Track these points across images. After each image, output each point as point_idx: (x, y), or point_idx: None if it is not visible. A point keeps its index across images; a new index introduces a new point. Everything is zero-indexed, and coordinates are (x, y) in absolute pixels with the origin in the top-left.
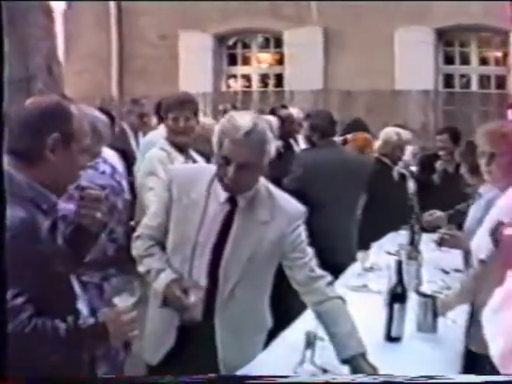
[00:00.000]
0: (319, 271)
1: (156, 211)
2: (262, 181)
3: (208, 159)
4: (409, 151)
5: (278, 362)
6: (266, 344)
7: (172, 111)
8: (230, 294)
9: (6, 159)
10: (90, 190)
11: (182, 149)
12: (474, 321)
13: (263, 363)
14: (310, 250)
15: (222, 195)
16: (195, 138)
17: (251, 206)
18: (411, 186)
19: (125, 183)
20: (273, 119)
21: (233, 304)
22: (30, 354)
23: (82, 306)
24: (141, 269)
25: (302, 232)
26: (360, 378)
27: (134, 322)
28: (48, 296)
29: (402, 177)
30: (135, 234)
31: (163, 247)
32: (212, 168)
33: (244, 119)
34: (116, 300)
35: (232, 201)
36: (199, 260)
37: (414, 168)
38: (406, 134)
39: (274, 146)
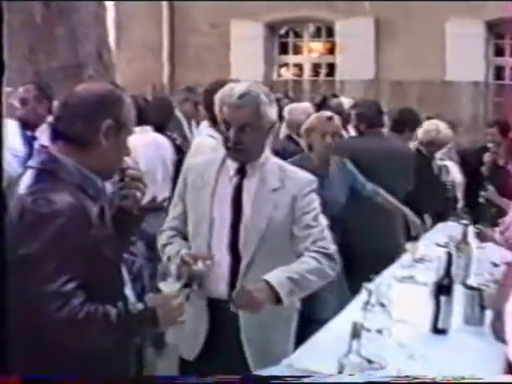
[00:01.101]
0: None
1: (175, 202)
2: (270, 155)
3: None
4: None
5: (323, 353)
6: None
7: None
8: (251, 265)
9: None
10: (129, 169)
11: None
12: None
13: (308, 354)
14: (323, 223)
15: (232, 168)
16: None
17: (260, 176)
18: (455, 177)
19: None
20: (307, 105)
21: (254, 274)
22: (81, 340)
23: (130, 292)
24: (164, 258)
25: (314, 201)
26: (402, 379)
27: (182, 308)
28: (98, 282)
29: (441, 169)
30: (160, 229)
31: (185, 238)
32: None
33: (239, 85)
34: (161, 285)
35: (241, 172)
36: (218, 236)
37: (449, 162)
38: (446, 132)
39: (273, 110)
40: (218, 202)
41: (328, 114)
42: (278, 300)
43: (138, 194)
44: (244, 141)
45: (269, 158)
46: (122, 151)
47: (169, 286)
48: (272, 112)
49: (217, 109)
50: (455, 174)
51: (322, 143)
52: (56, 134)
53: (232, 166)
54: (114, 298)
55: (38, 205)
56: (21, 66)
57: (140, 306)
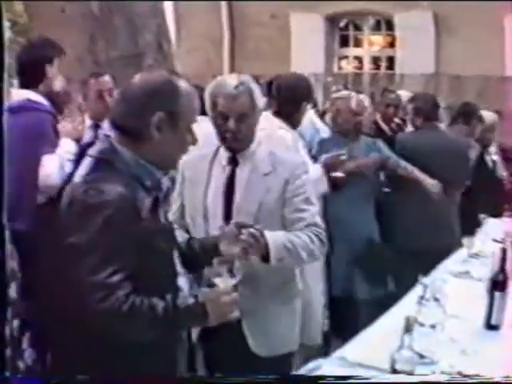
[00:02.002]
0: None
1: (174, 197)
2: (261, 141)
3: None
4: None
5: (375, 347)
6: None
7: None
8: None
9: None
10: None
11: (292, 128)
12: None
13: (360, 347)
14: (315, 206)
15: (224, 158)
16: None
17: (252, 162)
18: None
19: None
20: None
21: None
22: (126, 331)
23: (184, 284)
24: None
25: (306, 184)
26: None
27: (234, 304)
28: (149, 273)
29: (495, 163)
30: None
31: (187, 231)
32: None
33: (229, 77)
34: (217, 280)
35: (233, 161)
36: (212, 224)
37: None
38: (489, 117)
39: (261, 98)
40: (212, 193)
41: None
42: (265, 259)
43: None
44: (242, 130)
45: (260, 144)
46: (181, 142)
47: (224, 282)
48: (261, 100)
49: (208, 104)
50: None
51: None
52: (114, 125)
53: (224, 155)
54: (165, 290)
55: (87, 195)
56: (80, 55)
57: (191, 300)
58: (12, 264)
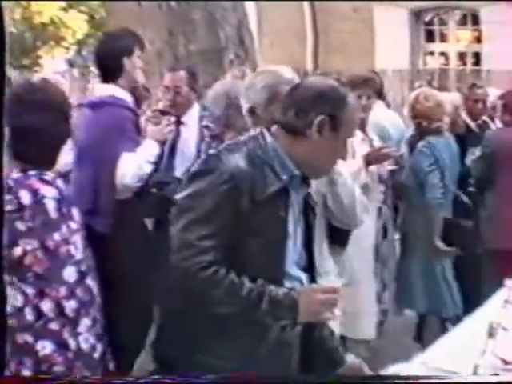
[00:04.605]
0: None
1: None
2: None
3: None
4: None
5: (458, 352)
6: None
7: (355, 88)
8: None
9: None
10: None
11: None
12: None
13: (443, 352)
14: None
15: None
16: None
17: None
18: None
19: None
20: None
21: None
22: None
23: (294, 270)
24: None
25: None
26: None
27: (332, 304)
28: (249, 255)
29: None
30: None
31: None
32: None
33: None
34: (321, 280)
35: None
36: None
37: None
38: None
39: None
40: None
41: None
42: None
43: None
44: None
45: None
46: (336, 151)
47: (330, 281)
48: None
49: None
50: None
51: None
52: (277, 120)
53: None
54: (267, 277)
55: (206, 160)
56: (160, 49)
57: (283, 290)
58: (88, 262)
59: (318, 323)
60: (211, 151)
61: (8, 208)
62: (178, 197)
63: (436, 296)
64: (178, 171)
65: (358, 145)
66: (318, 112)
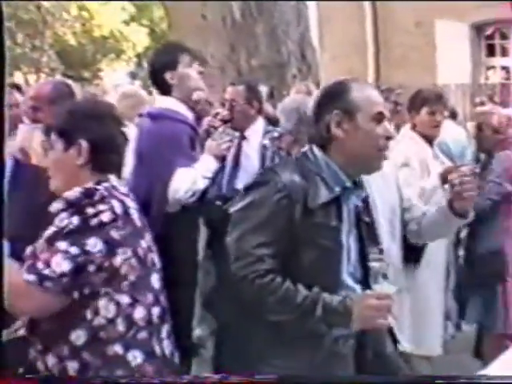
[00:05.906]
0: None
1: None
2: None
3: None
4: None
5: None
6: None
7: (429, 104)
8: None
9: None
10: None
11: (431, 142)
12: None
13: (505, 367)
14: None
15: None
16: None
17: None
18: None
19: None
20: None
21: None
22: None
23: (349, 281)
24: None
25: None
26: None
27: (386, 311)
28: (304, 263)
29: None
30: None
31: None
32: None
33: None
34: (376, 287)
35: None
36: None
37: None
38: None
39: None
40: None
41: None
42: None
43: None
44: None
45: None
46: (368, 135)
47: (383, 288)
48: None
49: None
50: None
51: None
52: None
53: None
54: (323, 286)
55: (261, 174)
56: (222, 64)
57: (337, 298)
58: (152, 256)
59: (373, 338)
60: (267, 166)
61: (104, 218)
62: (233, 209)
63: (495, 311)
64: (240, 185)
65: (431, 162)
66: (328, 112)
